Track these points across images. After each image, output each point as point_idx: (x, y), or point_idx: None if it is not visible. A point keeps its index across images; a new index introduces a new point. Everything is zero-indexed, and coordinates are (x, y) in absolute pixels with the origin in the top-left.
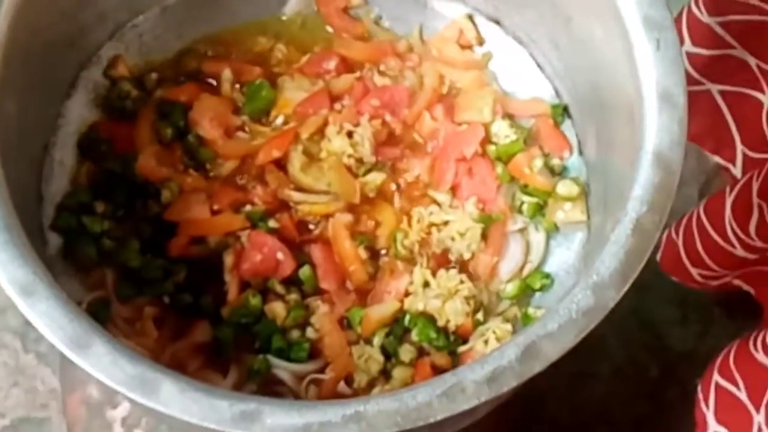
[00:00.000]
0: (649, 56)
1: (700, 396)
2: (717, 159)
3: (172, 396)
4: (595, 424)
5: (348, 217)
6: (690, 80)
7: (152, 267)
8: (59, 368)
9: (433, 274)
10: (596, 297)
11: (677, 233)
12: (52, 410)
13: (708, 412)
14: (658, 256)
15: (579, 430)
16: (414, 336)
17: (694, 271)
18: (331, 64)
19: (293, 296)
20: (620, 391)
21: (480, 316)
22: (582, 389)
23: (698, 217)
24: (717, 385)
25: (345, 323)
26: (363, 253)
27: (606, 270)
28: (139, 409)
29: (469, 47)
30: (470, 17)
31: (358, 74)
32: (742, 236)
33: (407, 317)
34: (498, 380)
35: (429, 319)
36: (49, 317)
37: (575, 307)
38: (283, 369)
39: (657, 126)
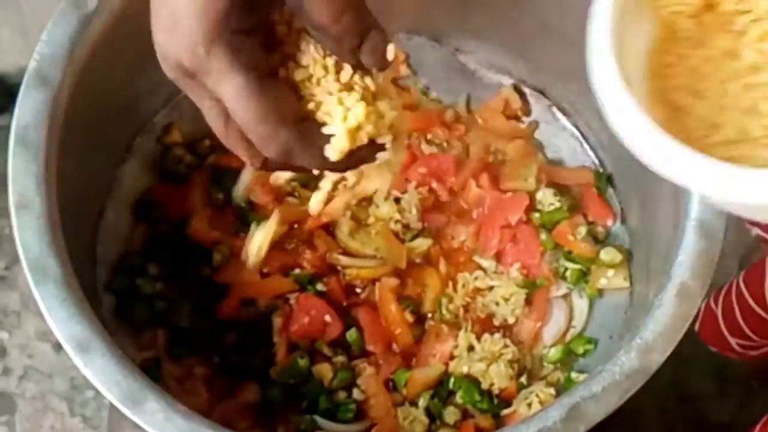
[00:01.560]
0: None
1: None
2: (756, 231)
3: None
4: None
5: (394, 282)
6: None
7: (203, 328)
8: (106, 430)
9: (478, 338)
10: (640, 360)
11: (716, 303)
12: None
13: None
14: (697, 326)
15: None
16: (458, 398)
17: (733, 341)
18: None
19: (340, 358)
20: None
21: (524, 379)
22: None
23: (737, 286)
24: None
25: (390, 385)
26: (409, 317)
27: (650, 334)
28: None
29: (515, 117)
30: (516, 88)
31: (406, 143)
32: None
33: (452, 380)
34: None
35: (473, 382)
36: (105, 373)
37: (619, 369)
38: (329, 430)
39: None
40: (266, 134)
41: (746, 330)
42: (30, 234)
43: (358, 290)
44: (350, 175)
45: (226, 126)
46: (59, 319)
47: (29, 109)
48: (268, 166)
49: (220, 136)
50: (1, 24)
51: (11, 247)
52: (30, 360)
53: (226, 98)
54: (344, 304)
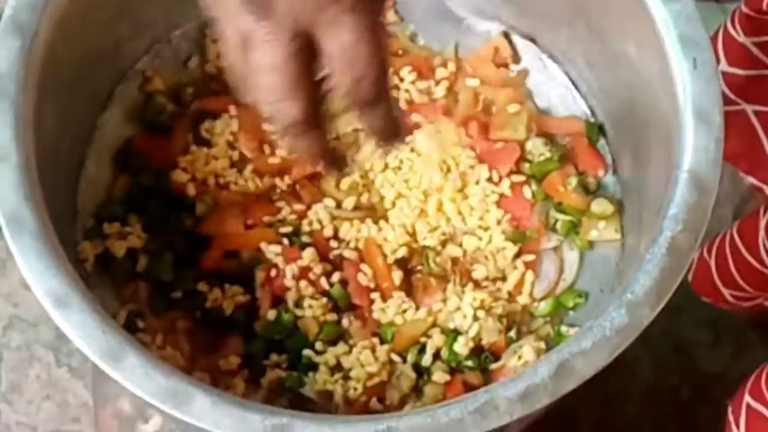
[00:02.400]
0: (686, 75)
1: (731, 417)
2: (751, 179)
3: (205, 409)
4: None
5: (380, 235)
6: (725, 100)
7: (185, 281)
8: (91, 382)
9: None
10: (630, 315)
11: (709, 254)
12: (83, 424)
13: None
14: (690, 277)
15: None
16: (444, 355)
17: (726, 292)
18: None
19: (326, 312)
20: (651, 413)
21: (513, 333)
22: (613, 411)
23: (731, 237)
24: (748, 407)
25: (377, 340)
26: (396, 273)
27: (640, 288)
28: (170, 424)
29: (505, 65)
30: (506, 35)
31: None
32: None
33: (439, 335)
34: (531, 397)
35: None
36: (83, 329)
37: (609, 325)
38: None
39: (693, 145)
40: (373, 77)
41: (740, 281)
42: (6, 186)
43: (344, 242)
44: None
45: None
46: (36, 272)
47: (4, 57)
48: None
49: (271, 83)
50: None
51: None
52: (15, 309)
53: (348, 31)
54: (330, 256)
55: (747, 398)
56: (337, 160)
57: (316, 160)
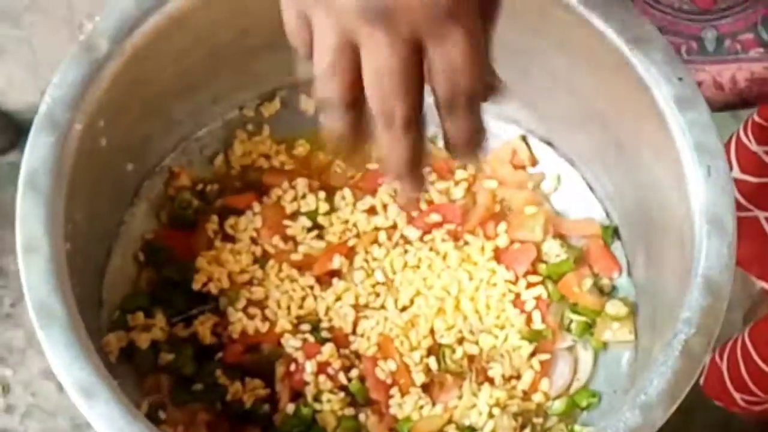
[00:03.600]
0: (700, 182)
1: None
2: (763, 284)
3: None
4: None
5: (398, 331)
6: (737, 206)
7: (207, 374)
8: None
9: (482, 389)
10: (644, 416)
11: (721, 358)
12: None
13: None
14: (701, 381)
15: None
16: None
17: (738, 396)
18: (386, 181)
19: (344, 407)
20: None
21: (527, 431)
22: None
23: (743, 342)
24: None
25: None
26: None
27: (654, 390)
28: None
29: (522, 167)
30: (524, 138)
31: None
32: None
33: (455, 431)
34: None
35: None
36: (110, 420)
37: (623, 425)
38: None
39: (706, 250)
40: (469, 89)
41: (751, 386)
42: (36, 277)
43: (363, 337)
44: None
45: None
46: (64, 363)
47: (39, 153)
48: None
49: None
50: (12, 62)
51: (17, 284)
52: (33, 398)
53: (453, 43)
54: (349, 351)
55: None
56: (422, 177)
57: (408, 167)
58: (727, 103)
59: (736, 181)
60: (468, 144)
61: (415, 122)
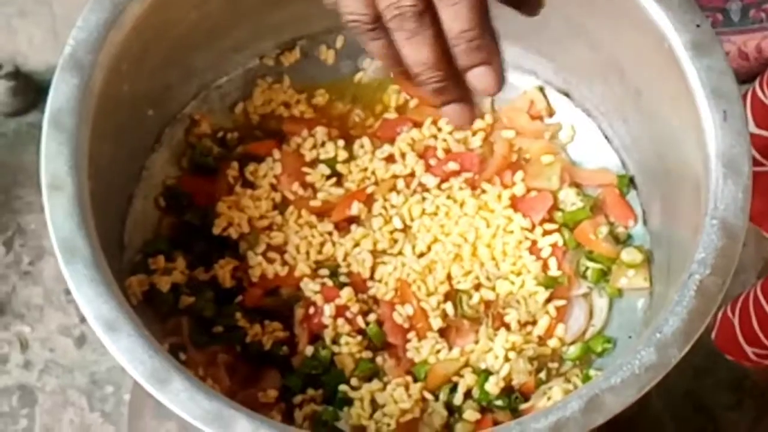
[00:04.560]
0: (716, 127)
1: None
2: None
3: None
4: None
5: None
6: (752, 161)
7: (226, 316)
8: (128, 419)
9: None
10: (659, 354)
11: (733, 312)
12: None
13: None
14: (713, 335)
15: None
16: (475, 394)
17: (749, 350)
18: (404, 129)
19: (362, 350)
20: None
21: (543, 375)
22: None
23: (755, 296)
24: None
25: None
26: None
27: (669, 329)
28: None
29: (539, 118)
30: (541, 89)
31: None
32: None
33: (471, 375)
34: (561, 430)
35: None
36: (132, 353)
37: (638, 363)
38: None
39: (722, 193)
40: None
41: (763, 339)
42: (61, 214)
43: (381, 282)
44: None
45: None
46: (87, 298)
47: (63, 92)
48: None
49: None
50: (32, 24)
51: (36, 242)
52: (51, 354)
53: None
54: (366, 295)
55: None
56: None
57: (435, 66)
58: (752, 73)
59: (751, 135)
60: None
61: (427, 14)
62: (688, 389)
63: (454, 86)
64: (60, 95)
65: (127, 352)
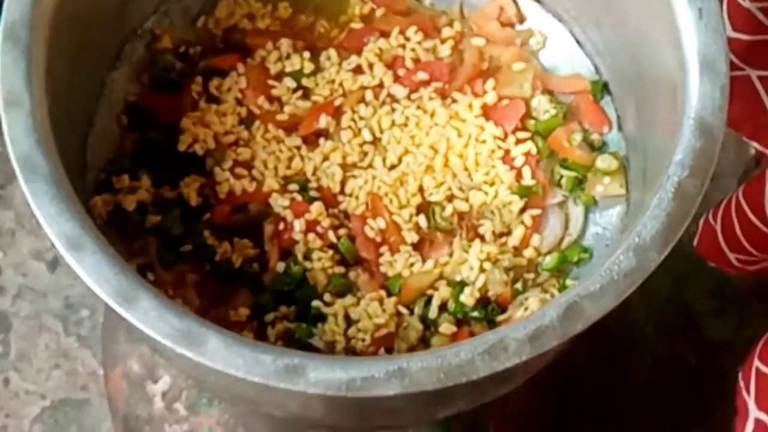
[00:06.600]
0: (692, 25)
1: (741, 384)
2: (755, 144)
3: (218, 349)
4: (632, 411)
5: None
6: (730, 65)
7: (194, 234)
8: (102, 343)
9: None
10: (638, 259)
11: (715, 219)
12: (92, 392)
13: (749, 399)
14: (696, 242)
15: (615, 417)
16: (450, 307)
17: (732, 256)
18: (371, 40)
19: (334, 265)
20: (658, 380)
21: (519, 285)
22: (619, 377)
23: (737, 201)
24: (758, 371)
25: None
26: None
27: (647, 233)
28: (180, 383)
29: (510, 24)
30: None
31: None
32: None
33: (446, 287)
34: (540, 339)
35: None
36: (97, 271)
37: (617, 268)
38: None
39: (699, 93)
40: None
41: (745, 244)
42: (19, 131)
43: (351, 197)
44: None
45: None
46: (49, 216)
47: (17, 6)
48: None
49: None
50: None
51: (5, 166)
52: (24, 279)
53: None
54: (337, 210)
55: (757, 363)
56: None
57: None
58: None
59: (728, 39)
60: None
61: None
62: (669, 296)
63: None
64: (14, 8)
65: (92, 270)
